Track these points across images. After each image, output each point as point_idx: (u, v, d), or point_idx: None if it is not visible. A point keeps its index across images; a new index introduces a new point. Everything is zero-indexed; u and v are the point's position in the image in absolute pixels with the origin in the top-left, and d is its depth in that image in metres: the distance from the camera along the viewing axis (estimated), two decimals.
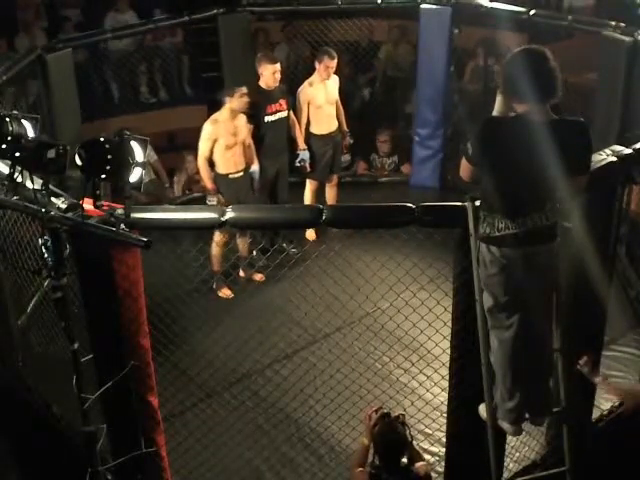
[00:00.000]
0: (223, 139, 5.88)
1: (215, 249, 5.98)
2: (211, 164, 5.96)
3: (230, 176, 5.98)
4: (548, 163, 3.03)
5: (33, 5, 8.77)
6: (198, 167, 6.11)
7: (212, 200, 5.93)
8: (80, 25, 8.77)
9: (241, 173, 6.05)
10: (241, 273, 6.24)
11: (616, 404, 4.50)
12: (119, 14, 8.58)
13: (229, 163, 5.96)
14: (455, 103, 7.93)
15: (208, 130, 5.87)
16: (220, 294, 6.09)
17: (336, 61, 6.52)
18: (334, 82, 6.71)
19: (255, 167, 6.20)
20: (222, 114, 5.91)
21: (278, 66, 6.22)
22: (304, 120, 6.59)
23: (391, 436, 3.64)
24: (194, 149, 6.13)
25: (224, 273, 5.97)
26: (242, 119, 6.00)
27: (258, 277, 6.28)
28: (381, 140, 8.08)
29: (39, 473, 4.31)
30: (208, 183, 5.95)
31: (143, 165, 2.92)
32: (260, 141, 6.25)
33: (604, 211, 3.76)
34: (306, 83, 6.63)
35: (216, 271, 6.02)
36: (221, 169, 5.96)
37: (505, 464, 3.98)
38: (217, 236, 5.93)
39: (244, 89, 5.87)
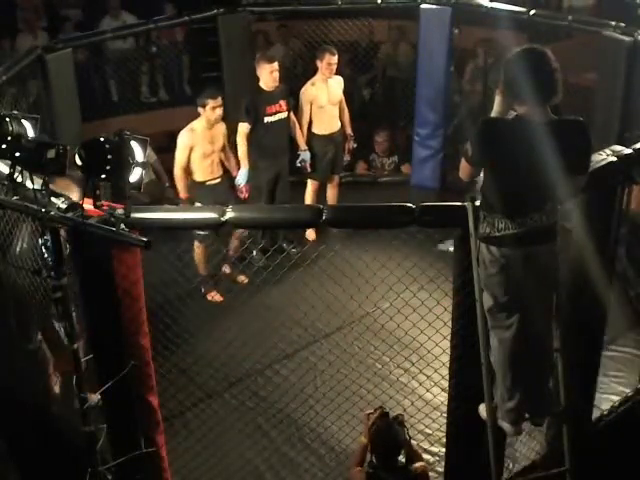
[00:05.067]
0: (200, 147, 5.80)
1: (198, 252, 5.91)
2: (188, 172, 5.87)
3: (207, 183, 5.91)
4: (548, 163, 3.03)
5: (33, 5, 8.77)
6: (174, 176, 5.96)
7: None
8: (80, 25, 8.78)
9: (218, 179, 5.98)
10: (227, 270, 6.17)
11: (616, 404, 4.52)
12: (113, 20, 8.56)
13: (207, 171, 5.89)
14: (456, 103, 7.94)
15: (184, 139, 5.79)
16: (209, 298, 6.01)
17: (337, 57, 6.49)
18: (337, 82, 6.68)
19: (242, 171, 6.12)
20: (199, 122, 5.82)
21: (276, 65, 6.17)
22: (306, 120, 6.58)
23: (388, 435, 3.64)
24: None
25: (212, 276, 5.92)
26: (220, 127, 5.93)
27: (241, 279, 6.16)
28: (381, 140, 8.08)
29: (39, 473, 4.31)
30: (183, 193, 5.85)
31: (143, 165, 2.92)
32: (259, 142, 6.21)
33: (604, 211, 3.76)
34: (308, 83, 6.61)
35: (203, 274, 5.96)
36: (199, 177, 5.89)
37: (505, 464, 3.98)
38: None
39: (218, 100, 5.75)
